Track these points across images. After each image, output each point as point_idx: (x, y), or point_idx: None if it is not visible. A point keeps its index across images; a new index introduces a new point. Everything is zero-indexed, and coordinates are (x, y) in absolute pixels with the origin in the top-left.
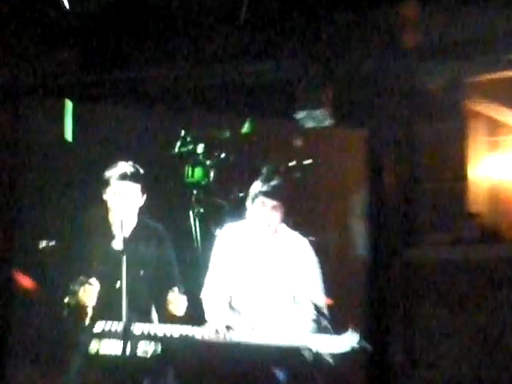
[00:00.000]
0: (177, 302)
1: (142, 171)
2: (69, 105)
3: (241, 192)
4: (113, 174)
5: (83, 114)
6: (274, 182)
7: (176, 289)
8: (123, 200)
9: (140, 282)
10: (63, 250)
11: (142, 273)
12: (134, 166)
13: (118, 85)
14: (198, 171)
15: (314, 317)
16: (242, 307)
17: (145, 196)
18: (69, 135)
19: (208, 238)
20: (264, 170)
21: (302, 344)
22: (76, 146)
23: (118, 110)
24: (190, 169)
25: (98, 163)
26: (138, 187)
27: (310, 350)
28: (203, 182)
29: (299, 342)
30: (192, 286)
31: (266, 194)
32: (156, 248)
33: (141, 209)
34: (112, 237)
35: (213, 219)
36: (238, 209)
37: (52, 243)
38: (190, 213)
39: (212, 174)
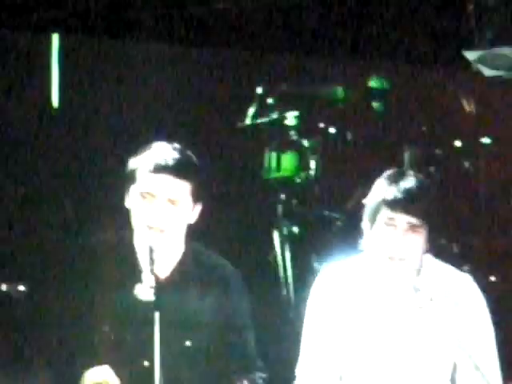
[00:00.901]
0: None
1: (195, 160)
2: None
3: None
4: (142, 161)
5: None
6: (412, 183)
7: (254, 375)
8: (159, 208)
9: (185, 359)
10: (43, 302)
11: (188, 344)
12: (181, 151)
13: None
14: (289, 159)
15: None
16: None
17: (199, 206)
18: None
19: (305, 279)
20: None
21: None
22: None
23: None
24: (275, 155)
25: (111, 144)
26: (187, 188)
27: None
28: (297, 179)
29: None
30: (279, 367)
31: (397, 203)
32: (217, 301)
33: (191, 229)
34: (136, 279)
35: (315, 246)
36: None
37: (22, 288)
38: (275, 234)
39: (313, 165)
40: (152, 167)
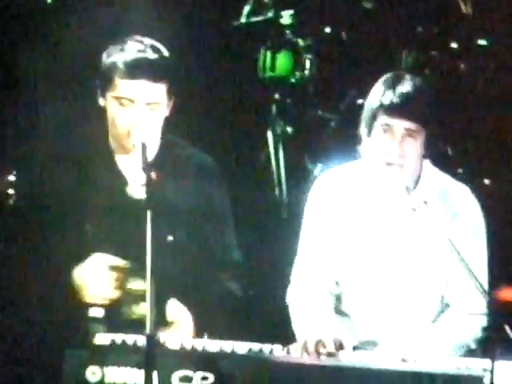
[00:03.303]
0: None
1: (169, 59)
2: None
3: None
4: (118, 64)
5: None
6: (409, 87)
7: (230, 269)
8: (138, 114)
9: (169, 254)
10: (32, 200)
11: (170, 238)
12: (156, 49)
13: None
14: (284, 59)
15: (484, 325)
16: (357, 310)
17: (171, 102)
18: None
19: (300, 180)
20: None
21: (463, 372)
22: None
23: None
24: (269, 55)
25: (84, 39)
26: (164, 89)
27: (481, 382)
28: (292, 79)
29: (457, 368)
30: (269, 270)
31: (393, 108)
32: (194, 191)
33: (167, 126)
34: (120, 178)
35: (309, 147)
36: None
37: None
38: (269, 134)
39: (308, 65)
40: (128, 72)
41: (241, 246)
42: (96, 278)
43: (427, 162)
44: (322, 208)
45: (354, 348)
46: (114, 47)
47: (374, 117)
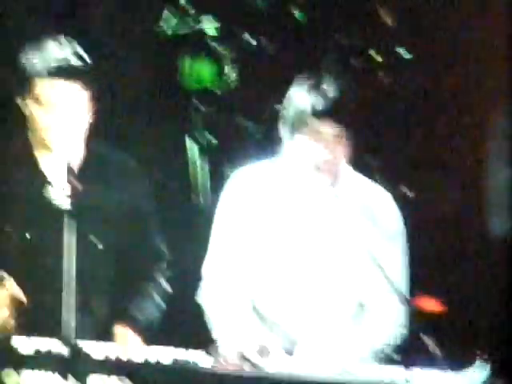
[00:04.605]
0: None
1: (86, 56)
2: None
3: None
4: (35, 61)
5: None
6: (336, 92)
7: (160, 267)
8: (61, 117)
9: (98, 261)
10: None
11: (100, 247)
12: (74, 48)
13: None
14: (204, 66)
15: (403, 334)
16: (273, 312)
17: (92, 106)
18: None
19: (217, 184)
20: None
21: (387, 382)
22: None
23: None
24: (189, 61)
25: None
26: (82, 90)
27: None
28: (212, 87)
29: (376, 377)
30: (183, 267)
31: (321, 113)
32: (119, 193)
33: (89, 130)
34: (42, 181)
35: (227, 152)
36: (273, 135)
37: None
38: (187, 140)
39: (227, 71)
40: (48, 72)
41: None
42: None
43: (347, 167)
44: (234, 204)
45: (283, 351)
46: (32, 47)
47: (300, 121)
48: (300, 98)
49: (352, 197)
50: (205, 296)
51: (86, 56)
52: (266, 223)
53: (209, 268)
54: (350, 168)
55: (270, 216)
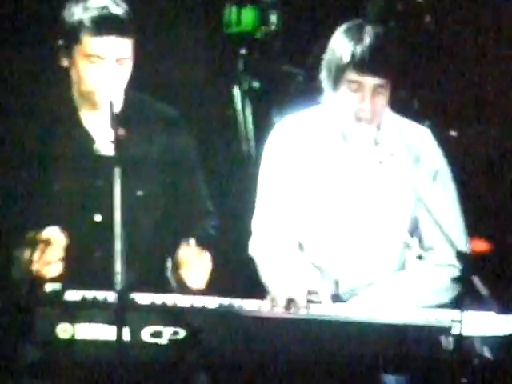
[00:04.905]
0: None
1: (132, 14)
2: None
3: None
4: (84, 20)
5: None
6: (377, 41)
7: (204, 223)
8: (108, 70)
9: (138, 209)
10: None
11: (139, 193)
12: (117, 3)
13: None
14: (249, 14)
15: (453, 276)
16: (323, 261)
17: (134, 58)
18: None
19: (266, 134)
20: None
21: (433, 323)
22: None
23: None
24: (235, 9)
25: None
26: (130, 45)
27: (450, 333)
28: (258, 34)
29: (426, 319)
30: (233, 222)
31: (363, 65)
32: (164, 144)
33: (131, 82)
34: (87, 136)
35: (275, 101)
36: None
37: None
38: (235, 89)
39: (274, 19)
40: (96, 29)
41: (211, 198)
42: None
43: (387, 110)
44: (281, 154)
45: (332, 297)
46: (75, 5)
47: (341, 72)
48: (341, 47)
49: (396, 142)
50: (257, 248)
51: (125, 4)
52: (311, 171)
53: (259, 220)
54: (392, 113)
55: (315, 163)
